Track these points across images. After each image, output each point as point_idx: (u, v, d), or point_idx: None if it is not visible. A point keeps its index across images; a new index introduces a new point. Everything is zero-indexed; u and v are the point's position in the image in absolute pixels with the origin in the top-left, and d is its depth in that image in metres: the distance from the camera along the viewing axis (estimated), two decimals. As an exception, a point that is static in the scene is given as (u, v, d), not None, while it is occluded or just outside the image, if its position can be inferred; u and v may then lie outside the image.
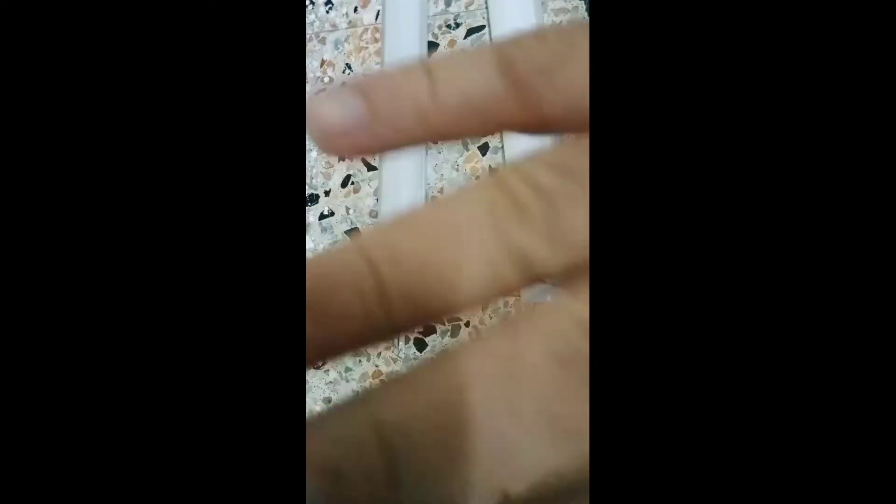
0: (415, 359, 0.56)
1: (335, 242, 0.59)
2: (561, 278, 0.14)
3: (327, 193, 0.60)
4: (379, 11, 0.61)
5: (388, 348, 0.57)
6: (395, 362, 0.56)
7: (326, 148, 0.15)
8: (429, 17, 0.58)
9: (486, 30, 0.56)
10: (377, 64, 0.60)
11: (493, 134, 0.15)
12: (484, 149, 0.55)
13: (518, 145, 0.53)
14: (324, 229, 0.60)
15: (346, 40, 0.62)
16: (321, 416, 0.13)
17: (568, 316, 0.13)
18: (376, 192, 0.58)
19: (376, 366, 0.57)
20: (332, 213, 0.60)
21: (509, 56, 0.14)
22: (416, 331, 0.55)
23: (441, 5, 0.57)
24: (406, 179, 0.55)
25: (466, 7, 0.57)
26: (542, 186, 0.14)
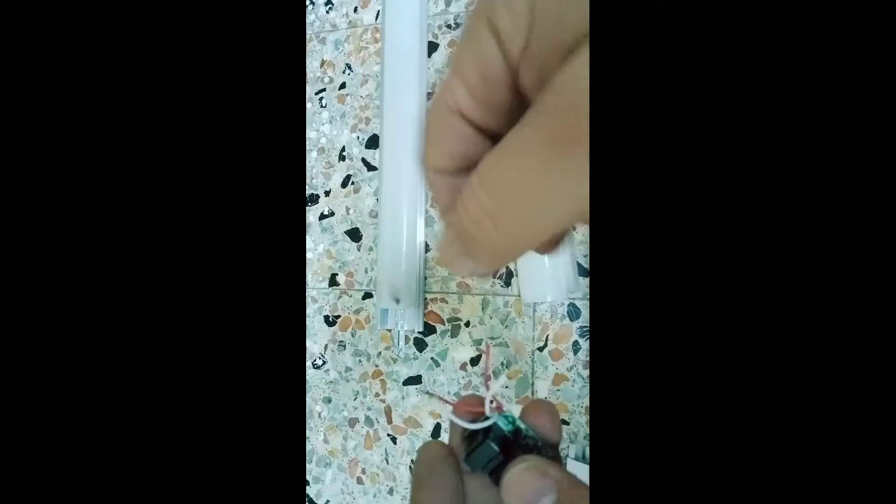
0: (415, 358, 0.56)
1: (335, 243, 0.59)
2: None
3: (327, 193, 0.60)
4: (379, 11, 0.61)
5: (387, 348, 0.57)
6: (394, 362, 0.56)
7: None
8: (429, 17, 0.58)
9: (486, 30, 0.56)
10: (377, 64, 0.60)
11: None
12: (484, 149, 0.55)
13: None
14: (324, 229, 0.60)
15: (346, 40, 0.62)
16: None
17: None
18: (376, 192, 0.58)
19: (376, 365, 0.57)
20: (332, 213, 0.60)
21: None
22: (416, 331, 0.55)
23: (441, 5, 0.57)
24: (406, 179, 0.55)
25: (466, 7, 0.57)
26: None
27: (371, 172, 0.59)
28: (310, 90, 0.62)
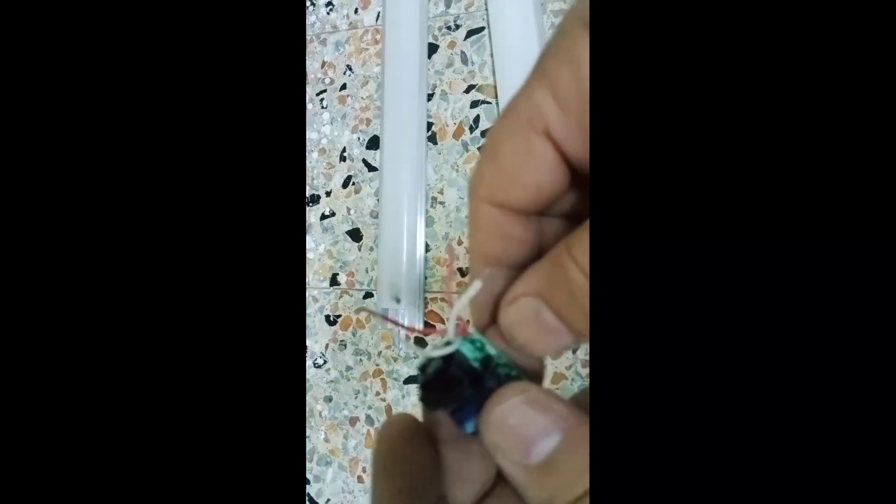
0: (415, 357, 0.56)
1: (336, 243, 0.59)
2: None
3: (328, 194, 0.60)
4: (379, 13, 0.61)
5: (388, 347, 0.57)
6: (395, 361, 0.57)
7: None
8: (429, 18, 0.58)
9: (485, 31, 0.56)
10: (378, 65, 0.60)
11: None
12: (484, 149, 0.55)
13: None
14: (325, 229, 0.60)
15: (346, 42, 0.62)
16: None
17: None
18: (377, 193, 0.58)
19: (377, 365, 0.57)
20: (333, 214, 0.60)
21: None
22: (416, 331, 0.55)
23: (441, 7, 0.58)
24: (406, 180, 0.55)
25: (466, 8, 0.57)
26: None
27: (372, 173, 0.59)
28: (310, 91, 0.62)
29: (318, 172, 0.61)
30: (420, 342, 0.55)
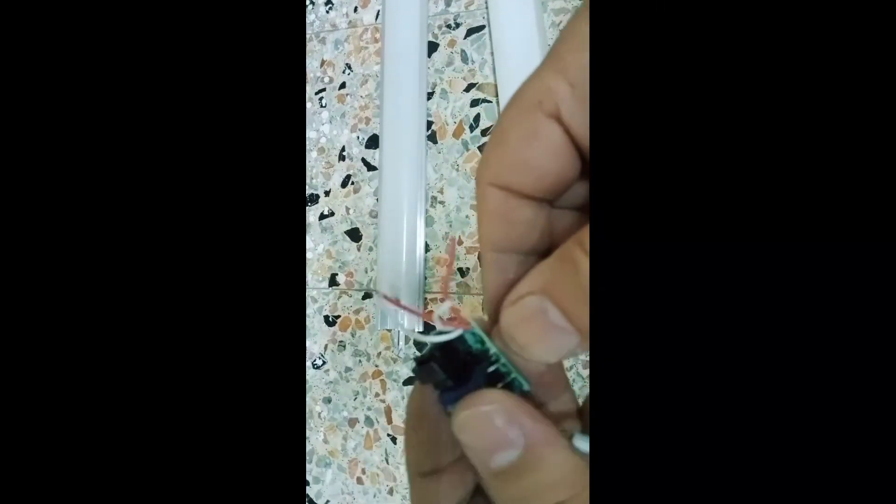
0: (415, 358, 0.56)
1: (335, 243, 0.59)
2: None
3: (327, 193, 0.60)
4: (379, 11, 0.61)
5: (387, 348, 0.57)
6: (394, 362, 0.56)
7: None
8: (429, 17, 0.58)
9: (486, 30, 0.56)
10: (377, 64, 0.60)
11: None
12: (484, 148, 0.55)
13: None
14: (324, 229, 0.60)
15: (346, 40, 0.62)
16: None
17: None
18: (376, 192, 0.58)
19: (376, 366, 0.57)
20: (332, 213, 0.60)
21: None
22: (415, 331, 0.55)
23: (441, 5, 0.57)
24: (406, 179, 0.55)
25: (466, 7, 0.57)
26: None
27: (371, 172, 0.59)
28: (310, 90, 0.62)
29: (317, 172, 0.61)
30: (420, 343, 0.55)
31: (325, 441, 0.59)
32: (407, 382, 0.56)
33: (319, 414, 0.59)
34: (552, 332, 0.13)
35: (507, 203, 0.13)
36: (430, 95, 0.57)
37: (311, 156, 0.61)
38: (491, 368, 0.15)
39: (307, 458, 0.59)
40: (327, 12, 0.63)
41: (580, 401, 0.17)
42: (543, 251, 0.14)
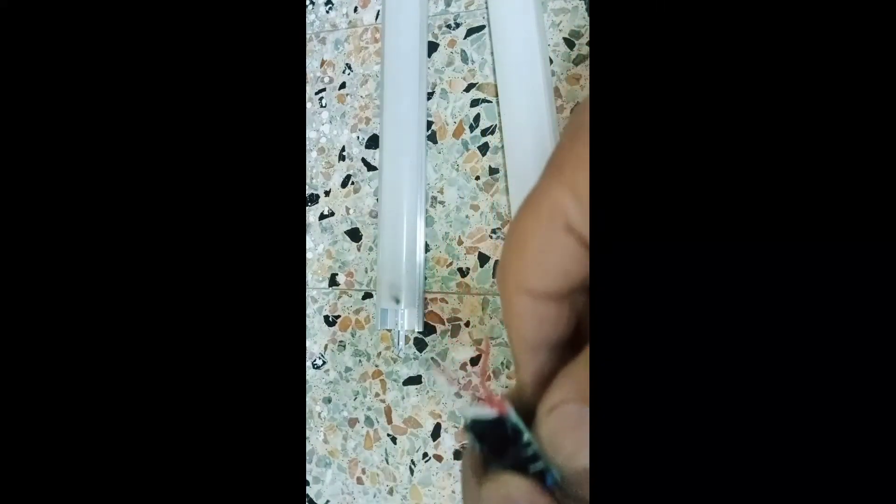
0: (415, 358, 0.56)
1: (335, 243, 0.59)
2: None
3: (327, 193, 0.60)
4: (379, 11, 0.61)
5: (387, 348, 0.57)
6: (394, 362, 0.57)
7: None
8: (429, 17, 0.58)
9: (486, 30, 0.56)
10: (377, 64, 0.60)
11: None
12: (484, 148, 0.55)
13: (518, 145, 0.53)
14: (324, 229, 0.60)
15: (346, 40, 0.62)
16: None
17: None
18: (376, 192, 0.58)
19: (376, 366, 0.57)
20: (332, 213, 0.60)
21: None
22: (416, 331, 0.55)
23: (441, 5, 0.57)
24: (406, 179, 0.55)
25: (466, 7, 0.57)
26: None
27: (371, 172, 0.59)
28: (310, 90, 0.62)
29: (317, 172, 0.61)
30: (420, 343, 0.55)
31: (325, 441, 0.59)
32: (407, 382, 0.56)
33: (319, 414, 0.59)
34: None
35: (534, 305, 0.15)
36: (430, 95, 0.57)
37: (312, 156, 0.61)
38: (527, 451, 0.16)
39: (307, 457, 0.59)
40: (327, 12, 0.63)
41: None
42: (571, 337, 0.15)
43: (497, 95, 0.54)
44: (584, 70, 0.52)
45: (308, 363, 0.59)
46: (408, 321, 0.54)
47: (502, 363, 0.52)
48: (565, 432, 0.14)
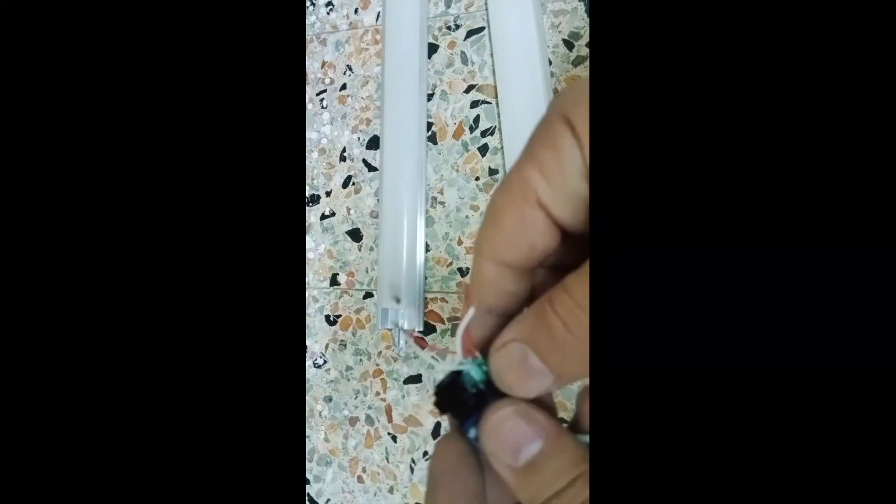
0: (415, 357, 0.56)
1: (336, 243, 0.59)
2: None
3: (328, 194, 0.60)
4: (379, 13, 0.61)
5: (388, 347, 0.57)
6: (395, 361, 0.57)
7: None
8: (429, 18, 0.58)
9: (485, 31, 0.56)
10: (378, 65, 0.60)
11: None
12: (484, 149, 0.55)
13: (518, 146, 0.53)
14: (325, 229, 0.60)
15: (346, 42, 0.62)
16: None
17: None
18: (377, 193, 0.58)
19: (377, 365, 0.57)
20: (333, 214, 0.60)
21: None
22: (416, 331, 0.55)
23: (441, 7, 0.58)
24: (406, 179, 0.55)
25: (466, 9, 0.57)
26: None
27: (372, 173, 0.59)
28: (311, 91, 0.62)
29: (318, 172, 0.61)
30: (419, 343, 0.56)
31: (326, 440, 0.59)
32: (407, 381, 0.56)
33: (320, 413, 0.59)
34: (532, 376, 0.15)
35: (500, 275, 0.16)
36: (430, 97, 0.57)
37: (313, 157, 0.61)
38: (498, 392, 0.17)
39: (308, 456, 0.59)
40: (328, 14, 0.63)
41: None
42: (521, 308, 0.17)
43: (497, 97, 0.55)
44: (583, 71, 0.52)
45: (309, 362, 0.60)
46: (408, 320, 0.54)
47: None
48: (510, 367, 0.16)
